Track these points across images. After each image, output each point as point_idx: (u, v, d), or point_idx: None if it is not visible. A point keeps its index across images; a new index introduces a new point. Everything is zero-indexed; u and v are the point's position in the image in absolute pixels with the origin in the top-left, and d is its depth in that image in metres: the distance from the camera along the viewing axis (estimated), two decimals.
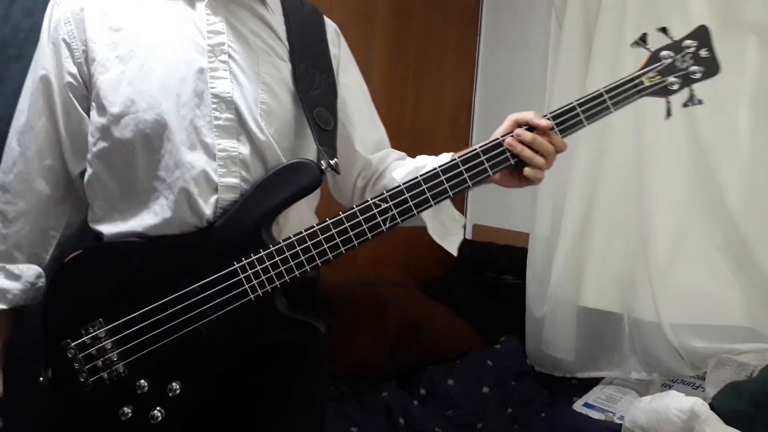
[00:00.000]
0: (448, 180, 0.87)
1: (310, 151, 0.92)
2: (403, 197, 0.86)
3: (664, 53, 0.93)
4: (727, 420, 1.29)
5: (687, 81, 0.92)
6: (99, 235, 0.89)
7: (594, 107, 0.89)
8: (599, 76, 1.83)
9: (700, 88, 0.95)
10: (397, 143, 1.10)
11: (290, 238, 0.84)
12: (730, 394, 1.41)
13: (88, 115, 0.87)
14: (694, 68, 0.92)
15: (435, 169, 0.87)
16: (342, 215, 0.85)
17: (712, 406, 1.35)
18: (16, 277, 0.89)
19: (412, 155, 1.07)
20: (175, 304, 0.83)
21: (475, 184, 0.89)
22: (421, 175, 0.87)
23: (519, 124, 0.89)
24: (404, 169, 0.97)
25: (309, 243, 0.84)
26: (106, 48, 0.85)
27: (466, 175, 0.87)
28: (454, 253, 0.98)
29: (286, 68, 0.92)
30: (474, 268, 2.30)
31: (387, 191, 0.86)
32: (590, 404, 1.79)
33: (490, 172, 0.88)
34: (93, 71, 0.85)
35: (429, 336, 1.93)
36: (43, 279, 0.91)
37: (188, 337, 0.83)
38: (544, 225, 2.05)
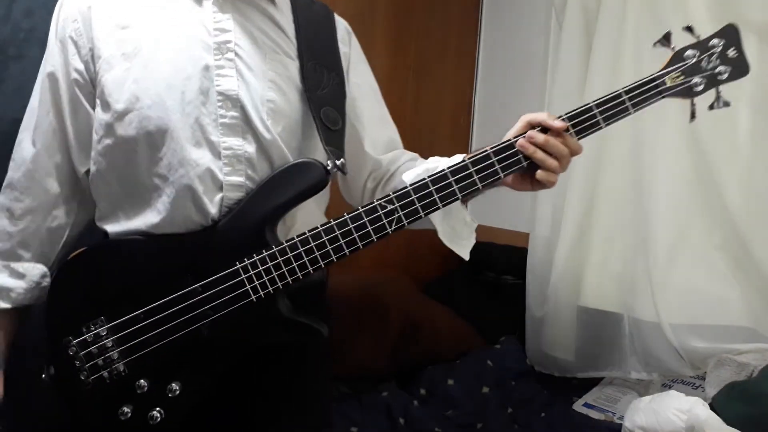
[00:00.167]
0: (457, 182, 0.84)
1: (318, 150, 0.90)
2: (409, 199, 0.84)
3: (688, 53, 0.87)
4: (727, 420, 1.29)
5: (713, 82, 0.87)
6: (105, 234, 0.89)
7: (612, 108, 0.85)
8: (599, 76, 1.83)
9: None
10: None
11: (293, 238, 0.83)
12: (730, 394, 1.41)
13: (94, 111, 0.87)
14: (721, 68, 0.87)
15: (444, 170, 0.84)
16: (347, 216, 0.84)
17: (712, 406, 1.35)
18: (20, 276, 0.89)
19: None
20: (176, 303, 0.82)
21: (486, 186, 0.85)
22: (429, 177, 0.85)
23: (532, 126, 0.86)
24: (414, 171, 0.93)
25: (312, 244, 0.83)
26: (112, 45, 0.84)
27: (476, 177, 0.84)
28: (466, 257, 0.95)
29: (294, 66, 0.91)
30: (474, 268, 2.30)
31: (393, 192, 0.84)
32: (590, 404, 1.79)
33: (501, 175, 0.85)
34: (98, 68, 0.85)
35: (429, 336, 1.93)
36: (48, 278, 0.91)
37: (189, 337, 0.82)
38: (544, 225, 2.05)
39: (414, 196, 0.84)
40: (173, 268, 0.83)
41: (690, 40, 0.88)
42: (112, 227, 0.87)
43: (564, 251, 1.95)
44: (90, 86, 0.87)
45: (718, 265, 1.68)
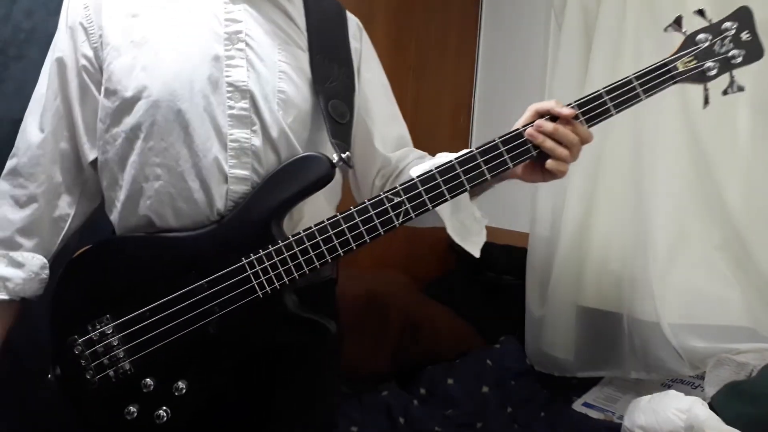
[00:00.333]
0: (465, 173, 0.82)
1: (326, 143, 0.89)
2: (417, 191, 0.82)
3: (700, 36, 0.85)
4: (727, 420, 1.29)
5: (727, 66, 0.85)
6: (112, 231, 0.89)
7: (623, 95, 0.83)
8: (599, 76, 1.83)
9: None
10: None
11: (300, 233, 0.82)
12: (730, 394, 1.41)
13: None
14: (734, 52, 0.84)
15: (451, 161, 0.83)
16: (353, 210, 0.83)
17: (711, 406, 1.35)
18: (19, 265, 0.88)
19: None
20: (182, 300, 0.81)
21: (495, 176, 0.83)
22: (435, 168, 0.83)
23: (540, 114, 0.84)
24: (422, 166, 0.91)
25: (319, 238, 0.82)
26: (122, 33, 0.84)
27: (484, 167, 0.82)
28: (476, 254, 0.93)
29: (304, 58, 0.90)
30: (474, 268, 2.30)
31: (400, 185, 0.83)
32: (590, 404, 1.79)
33: (510, 164, 0.83)
34: (106, 55, 0.84)
35: (429, 336, 1.93)
36: (47, 271, 0.90)
37: (195, 334, 0.81)
38: (544, 225, 2.05)
39: (421, 188, 0.82)
40: (179, 264, 0.82)
41: (702, 24, 0.86)
42: (118, 217, 0.87)
43: (564, 251, 1.94)
44: (99, 74, 0.86)
45: (718, 265, 1.68)
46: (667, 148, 1.71)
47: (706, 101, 0.88)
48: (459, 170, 0.83)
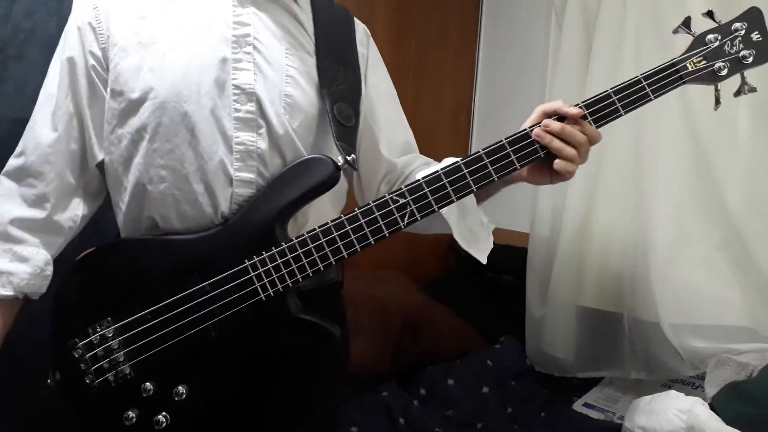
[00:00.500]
0: (471, 173, 0.81)
1: (333, 147, 0.88)
2: (422, 192, 0.81)
3: (710, 37, 0.85)
4: (727, 420, 1.29)
5: (737, 66, 0.84)
6: (117, 233, 0.89)
7: (631, 95, 0.83)
8: (599, 76, 1.83)
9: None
10: None
11: (303, 235, 0.81)
12: (730, 394, 1.41)
13: None
14: (745, 52, 0.84)
15: (457, 162, 0.82)
16: (358, 211, 0.82)
17: (712, 406, 1.35)
18: (24, 260, 0.86)
19: None
20: (184, 302, 0.80)
21: (502, 177, 0.82)
22: (441, 169, 0.82)
23: (547, 114, 0.84)
24: (428, 170, 0.89)
25: (322, 240, 0.81)
26: (129, 34, 0.84)
27: (491, 168, 0.81)
28: (483, 261, 0.92)
29: (311, 62, 0.90)
30: (474, 268, 2.30)
31: (405, 186, 0.82)
32: (590, 404, 1.79)
33: (517, 165, 0.82)
34: (113, 56, 0.84)
35: (429, 336, 1.93)
36: (51, 267, 0.89)
37: (196, 337, 0.80)
38: (544, 225, 2.05)
39: (427, 189, 0.81)
40: (182, 267, 0.82)
41: (711, 26, 0.86)
42: (123, 219, 0.87)
43: (564, 251, 1.94)
44: (107, 74, 0.86)
45: (718, 265, 1.67)
46: (667, 148, 1.71)
47: (718, 101, 0.87)
48: (465, 171, 0.82)
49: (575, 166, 0.83)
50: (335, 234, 0.81)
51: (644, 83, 0.84)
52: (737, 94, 0.87)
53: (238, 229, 0.82)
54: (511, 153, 0.82)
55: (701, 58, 0.85)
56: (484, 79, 2.59)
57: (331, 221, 0.82)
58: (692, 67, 0.85)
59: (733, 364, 1.53)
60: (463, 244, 0.91)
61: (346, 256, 0.81)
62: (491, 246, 0.95)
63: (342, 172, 0.85)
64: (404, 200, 0.81)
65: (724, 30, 0.85)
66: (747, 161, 1.65)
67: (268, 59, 0.86)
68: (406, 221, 0.81)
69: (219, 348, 0.81)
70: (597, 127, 0.84)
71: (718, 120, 1.63)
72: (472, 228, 0.93)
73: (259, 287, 0.81)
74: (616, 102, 0.83)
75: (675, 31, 0.87)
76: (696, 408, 1.30)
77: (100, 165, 0.90)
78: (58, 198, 0.89)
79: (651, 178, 1.74)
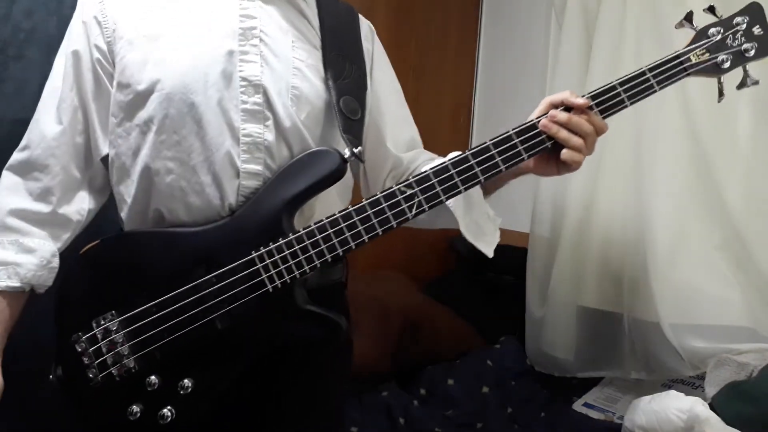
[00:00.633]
0: (479, 164, 0.82)
1: (339, 141, 0.88)
2: (429, 183, 0.81)
3: (712, 30, 0.86)
4: (727, 420, 1.29)
5: (740, 59, 0.86)
6: (121, 229, 0.89)
7: (636, 86, 0.84)
8: (599, 76, 1.82)
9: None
10: None
11: (311, 225, 0.81)
12: (730, 394, 1.41)
13: None
14: (747, 45, 0.85)
15: (464, 153, 0.83)
16: (365, 202, 0.82)
17: (712, 406, 1.35)
18: (30, 250, 0.86)
19: None
20: (190, 294, 0.80)
21: (509, 167, 0.83)
22: (448, 159, 0.83)
23: (554, 105, 0.85)
24: (434, 163, 0.89)
25: (330, 231, 0.80)
26: (135, 27, 0.85)
27: (498, 159, 0.82)
28: (490, 254, 0.93)
29: (317, 56, 0.90)
30: (474, 268, 2.30)
31: (413, 177, 0.82)
32: (590, 404, 1.79)
33: (525, 156, 0.83)
34: (119, 49, 0.84)
35: (429, 336, 1.93)
36: (57, 260, 0.89)
37: (202, 330, 0.80)
38: (544, 225, 2.05)
39: (434, 180, 0.82)
40: (188, 259, 0.81)
41: (712, 21, 0.88)
42: (128, 213, 0.87)
43: (564, 251, 1.94)
44: (112, 67, 0.86)
45: (718, 265, 1.67)
46: (667, 148, 1.71)
47: (721, 93, 0.88)
48: (473, 161, 0.82)
49: (582, 157, 0.83)
50: (343, 225, 0.81)
51: (649, 75, 0.85)
52: (740, 86, 0.88)
53: (245, 220, 0.82)
54: (519, 143, 0.83)
55: (704, 50, 0.86)
56: (484, 79, 2.59)
57: (339, 212, 0.82)
58: (696, 60, 0.86)
59: (733, 364, 1.53)
60: (470, 238, 0.92)
61: (354, 247, 0.81)
62: (498, 239, 0.95)
63: (348, 166, 0.85)
64: (412, 191, 0.81)
65: (725, 24, 0.87)
66: (747, 161, 1.65)
67: (274, 51, 0.86)
68: (414, 211, 0.81)
69: (225, 340, 0.80)
70: (603, 118, 0.85)
71: (718, 120, 1.63)
72: (478, 221, 0.93)
73: (266, 278, 0.80)
74: (622, 93, 0.84)
75: (678, 26, 0.88)
76: (696, 408, 1.30)
77: (105, 160, 0.90)
78: (63, 191, 0.88)
79: (651, 178, 1.74)
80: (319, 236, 0.80)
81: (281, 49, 0.87)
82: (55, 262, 0.88)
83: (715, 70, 0.86)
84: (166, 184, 0.83)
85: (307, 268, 0.80)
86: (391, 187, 0.82)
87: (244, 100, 0.83)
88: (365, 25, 1.01)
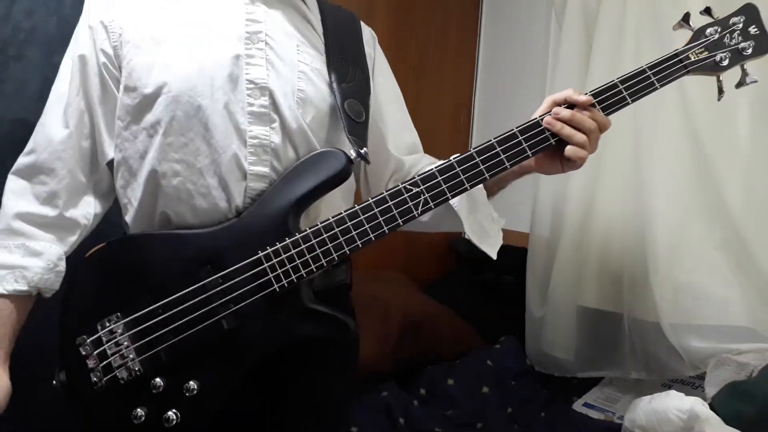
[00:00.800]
0: (483, 162, 0.83)
1: (343, 143, 0.89)
2: (435, 180, 0.82)
3: (710, 30, 0.89)
4: (727, 420, 1.29)
5: (737, 57, 0.88)
6: (124, 233, 0.89)
7: (637, 84, 0.86)
8: (599, 76, 1.82)
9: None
10: None
11: (317, 225, 0.81)
12: (730, 394, 1.41)
13: None
14: (744, 44, 0.88)
15: (469, 151, 0.83)
16: (371, 200, 0.82)
17: (712, 406, 1.35)
18: (37, 254, 0.86)
19: None
20: (195, 295, 0.80)
21: (513, 165, 0.84)
22: (454, 158, 0.84)
23: (557, 103, 0.86)
24: (439, 163, 0.90)
25: (336, 230, 0.81)
26: (142, 30, 0.85)
27: (503, 156, 0.83)
28: (493, 256, 0.94)
29: (321, 60, 0.91)
30: (474, 268, 2.30)
31: (418, 175, 0.83)
32: (590, 404, 1.79)
33: (529, 152, 0.84)
34: (126, 53, 0.85)
35: (429, 336, 1.93)
36: (64, 263, 0.88)
37: (208, 330, 0.79)
38: (544, 225, 2.05)
39: (440, 178, 0.82)
40: (194, 260, 0.81)
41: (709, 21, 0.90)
42: (133, 216, 0.87)
43: (564, 251, 1.94)
44: (118, 72, 0.87)
45: (718, 265, 1.67)
46: (667, 148, 1.71)
47: (721, 91, 0.90)
48: (477, 159, 0.83)
49: (586, 153, 0.84)
50: (349, 223, 0.81)
51: (649, 73, 0.87)
52: (739, 85, 0.90)
53: (252, 221, 0.82)
54: (523, 141, 0.84)
55: (703, 49, 0.88)
56: (484, 79, 2.59)
57: (345, 211, 0.82)
58: (695, 58, 0.88)
59: (733, 364, 1.53)
60: (474, 239, 0.93)
61: (360, 246, 0.81)
62: (501, 241, 0.96)
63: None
64: (417, 189, 0.82)
65: (722, 24, 0.89)
66: (747, 161, 1.65)
67: (280, 55, 0.87)
68: (420, 209, 0.82)
69: (231, 341, 0.80)
70: (606, 115, 0.86)
71: (718, 120, 1.63)
72: (482, 223, 0.94)
73: (272, 278, 0.80)
74: (623, 91, 0.86)
75: (675, 27, 0.90)
76: (696, 408, 1.30)
77: (110, 164, 0.90)
78: (69, 195, 0.89)
79: (651, 179, 1.74)
80: (325, 235, 0.81)
81: (287, 53, 0.87)
82: (62, 266, 0.88)
83: (713, 67, 0.88)
84: (173, 186, 0.83)
85: (313, 267, 0.80)
86: (397, 186, 0.82)
87: (251, 103, 0.83)
88: (367, 32, 1.03)
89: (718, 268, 1.67)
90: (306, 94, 0.87)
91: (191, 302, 0.80)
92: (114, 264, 0.83)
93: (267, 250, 0.80)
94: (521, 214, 2.14)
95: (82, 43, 0.88)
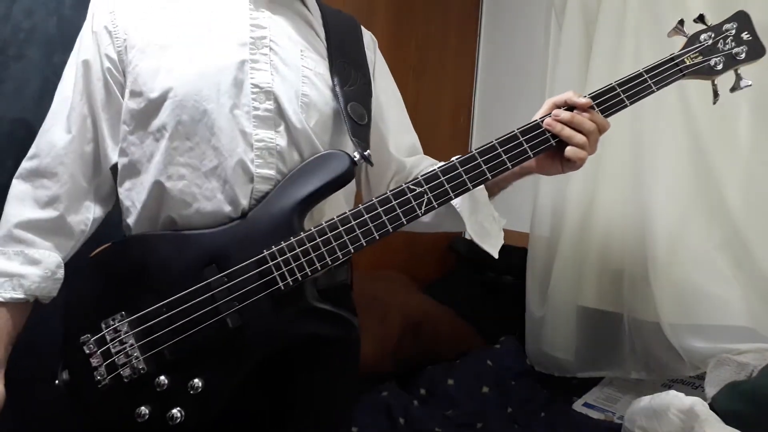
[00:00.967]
0: (485, 162, 0.84)
1: (346, 146, 0.91)
2: (438, 181, 0.84)
3: (704, 36, 0.92)
4: (727, 420, 1.29)
5: (731, 62, 0.91)
6: (124, 234, 0.89)
7: (635, 86, 0.88)
8: (599, 76, 1.83)
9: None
10: None
11: (322, 224, 0.82)
12: (730, 394, 1.41)
13: None
14: (737, 49, 0.91)
15: (471, 152, 0.85)
16: (375, 200, 0.83)
17: (711, 406, 1.35)
18: (35, 262, 0.86)
19: None
20: (200, 293, 0.80)
21: (515, 165, 0.86)
22: (456, 158, 0.85)
23: (557, 106, 0.88)
24: (440, 164, 0.91)
25: (341, 228, 0.82)
26: (147, 36, 0.85)
27: (504, 157, 0.85)
28: (495, 255, 0.95)
29: (324, 64, 0.92)
30: (474, 268, 2.30)
31: (421, 175, 0.84)
32: (590, 404, 1.79)
33: (530, 153, 0.86)
34: (132, 58, 0.85)
35: (429, 336, 1.93)
36: (62, 271, 0.89)
37: (213, 329, 0.79)
38: (544, 225, 2.05)
39: (443, 178, 0.84)
40: (199, 259, 0.81)
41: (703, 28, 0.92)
42: (136, 219, 0.87)
43: (564, 251, 1.94)
44: (122, 77, 0.87)
45: (718, 264, 1.67)
46: (667, 148, 1.71)
47: (716, 95, 0.93)
48: (480, 159, 0.85)
49: (586, 154, 0.86)
50: (353, 222, 0.82)
51: (646, 76, 0.89)
52: (733, 89, 0.93)
53: (256, 221, 0.82)
54: (524, 142, 0.86)
55: (697, 53, 0.91)
56: (484, 79, 2.59)
57: (349, 210, 0.83)
58: (690, 62, 0.91)
59: (733, 364, 1.53)
60: (476, 239, 0.94)
61: (365, 244, 0.82)
62: (502, 241, 0.98)
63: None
64: (421, 189, 0.83)
65: (716, 30, 0.92)
66: (747, 161, 1.65)
67: (284, 60, 0.87)
68: (423, 209, 0.83)
69: (236, 339, 0.80)
70: (605, 117, 0.88)
71: (718, 119, 1.63)
72: (483, 223, 0.96)
73: (277, 276, 0.80)
74: (621, 93, 0.88)
75: (671, 33, 0.93)
76: (696, 408, 1.30)
77: (112, 168, 0.90)
78: (70, 200, 0.89)
79: (651, 178, 1.74)
80: (330, 234, 0.81)
81: (291, 58, 0.88)
82: (60, 274, 0.89)
83: (708, 71, 0.91)
84: (178, 190, 0.83)
85: (318, 265, 0.81)
86: (401, 186, 0.83)
87: (256, 107, 0.84)
88: (367, 36, 1.04)
89: (718, 268, 1.67)
90: (310, 99, 0.88)
91: (195, 301, 0.80)
92: (118, 263, 0.83)
93: (272, 248, 0.81)
94: (521, 214, 2.14)
95: (85, 48, 0.89)
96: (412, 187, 0.83)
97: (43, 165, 0.88)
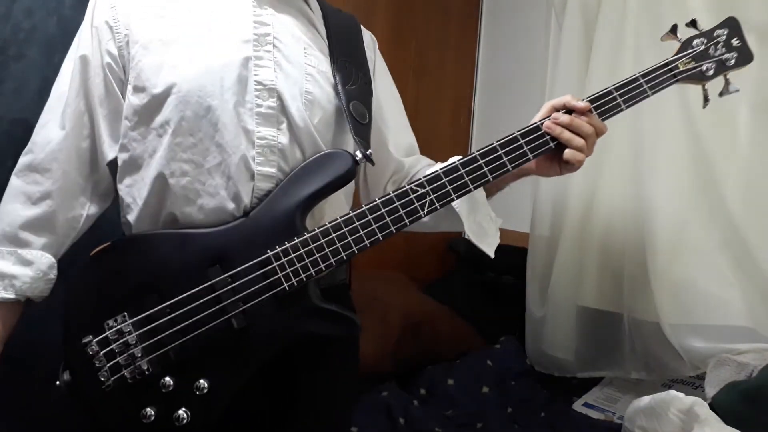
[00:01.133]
0: (486, 164, 0.86)
1: (348, 144, 0.92)
2: (440, 182, 0.85)
3: (696, 41, 0.94)
4: (727, 420, 1.29)
5: (721, 68, 0.94)
6: (123, 231, 0.89)
7: (631, 91, 0.91)
8: (599, 76, 1.83)
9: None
10: None
11: (325, 224, 0.82)
12: (730, 394, 1.41)
13: (124, 98, 0.86)
14: (727, 55, 0.93)
15: (473, 153, 0.86)
16: (378, 201, 0.84)
17: (711, 406, 1.35)
18: (27, 263, 0.86)
19: None
20: (205, 294, 0.80)
21: (515, 167, 0.87)
22: (458, 160, 0.86)
23: (556, 109, 0.90)
24: (440, 165, 0.92)
25: (345, 229, 0.82)
26: (150, 31, 0.85)
27: (505, 159, 0.87)
28: (491, 255, 0.97)
29: (326, 62, 0.93)
30: (474, 268, 2.30)
31: (424, 177, 0.85)
32: (590, 404, 1.79)
33: (530, 156, 0.88)
34: (134, 54, 0.85)
35: (429, 336, 1.93)
36: (55, 271, 0.89)
37: (218, 329, 0.79)
38: (544, 225, 2.05)
39: (445, 179, 0.85)
40: (202, 259, 0.81)
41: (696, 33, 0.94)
42: (137, 216, 0.86)
43: (564, 251, 1.94)
44: (121, 72, 0.87)
45: (718, 264, 1.67)
46: (667, 149, 1.71)
47: (706, 99, 0.95)
48: (481, 161, 0.86)
49: (584, 156, 0.88)
50: (357, 223, 0.83)
51: (642, 80, 0.91)
52: (721, 94, 0.96)
53: (259, 221, 0.82)
54: (524, 144, 0.88)
55: (690, 59, 0.94)
56: (484, 79, 2.59)
57: (353, 211, 0.83)
58: (683, 67, 0.93)
59: (733, 364, 1.53)
60: (474, 239, 0.96)
61: (368, 245, 0.83)
62: (498, 241, 0.99)
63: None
64: (424, 190, 0.84)
65: (707, 35, 0.95)
66: (747, 161, 1.65)
67: (288, 57, 0.87)
68: (426, 210, 0.84)
69: (241, 340, 0.80)
70: (602, 120, 0.89)
71: (718, 120, 1.63)
72: (481, 223, 0.97)
73: (282, 277, 0.81)
74: (618, 97, 0.90)
75: (664, 38, 0.95)
76: (696, 408, 1.30)
77: (111, 164, 0.90)
78: (63, 197, 0.88)
79: (651, 179, 1.74)
80: (333, 234, 0.82)
81: (294, 55, 0.88)
82: (53, 274, 0.89)
83: (700, 77, 0.94)
84: (181, 186, 0.83)
85: (322, 266, 0.81)
86: (403, 187, 0.84)
87: (259, 104, 0.84)
88: (367, 35, 1.04)
89: (718, 268, 1.67)
90: (314, 96, 0.88)
91: (200, 301, 0.80)
92: (119, 263, 0.83)
93: (276, 248, 0.81)
94: (521, 214, 2.15)
95: (84, 43, 0.88)
96: (415, 188, 0.84)
97: (36, 161, 0.88)
